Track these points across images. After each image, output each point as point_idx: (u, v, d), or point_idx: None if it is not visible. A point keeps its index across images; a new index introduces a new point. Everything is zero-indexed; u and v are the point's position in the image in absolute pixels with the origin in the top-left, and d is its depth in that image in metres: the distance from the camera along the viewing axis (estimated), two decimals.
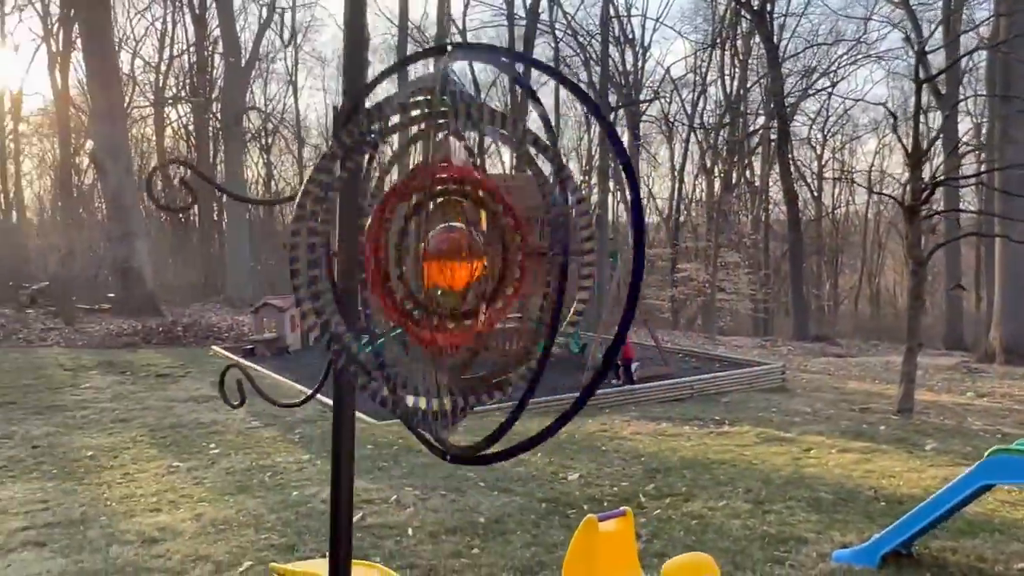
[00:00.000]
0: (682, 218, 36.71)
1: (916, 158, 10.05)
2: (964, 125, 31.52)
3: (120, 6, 32.38)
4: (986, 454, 3.70)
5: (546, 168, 1.41)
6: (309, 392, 2.07)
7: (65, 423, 8.55)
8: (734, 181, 34.22)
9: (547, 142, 1.35)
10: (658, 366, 12.15)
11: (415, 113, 1.35)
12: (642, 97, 33.99)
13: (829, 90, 33.22)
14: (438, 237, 1.32)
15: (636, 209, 1.35)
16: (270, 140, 38.36)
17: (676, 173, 36.71)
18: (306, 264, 1.31)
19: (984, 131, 29.15)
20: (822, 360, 18.90)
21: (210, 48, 32.71)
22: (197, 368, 12.59)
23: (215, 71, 33.37)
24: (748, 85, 33.57)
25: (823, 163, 38.26)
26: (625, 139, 35.37)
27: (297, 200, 1.36)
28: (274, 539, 4.68)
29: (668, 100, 35.70)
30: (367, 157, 1.50)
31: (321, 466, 6.43)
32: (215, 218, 35.20)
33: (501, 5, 32.46)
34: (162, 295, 22.34)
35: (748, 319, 32.65)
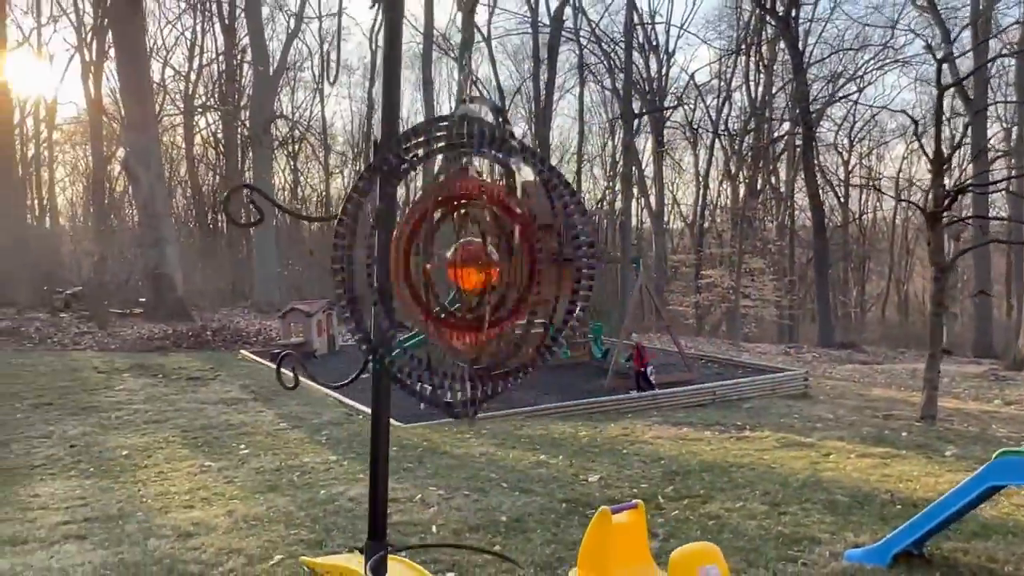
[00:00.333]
0: (706, 224, 36.65)
1: (938, 165, 10.09)
2: (994, 130, 31.23)
3: (151, 16, 33.07)
4: (994, 456, 3.79)
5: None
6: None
7: (100, 424, 8.81)
8: (759, 187, 34.15)
9: (538, 154, 1.49)
10: (681, 372, 12.24)
11: (439, 144, 1.51)
12: (666, 103, 34.05)
13: (855, 95, 33.09)
14: (460, 250, 1.47)
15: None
16: (297, 147, 38.89)
17: (700, 179, 36.72)
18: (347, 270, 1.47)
19: (1014, 136, 28.89)
20: (847, 367, 18.85)
21: (239, 57, 33.29)
22: (226, 372, 12.86)
23: (244, 80, 33.94)
24: (773, 91, 33.52)
25: (850, 169, 38.06)
26: (649, 145, 35.50)
27: (338, 217, 1.51)
28: (303, 534, 4.86)
29: (692, 107, 35.74)
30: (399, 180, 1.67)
31: (348, 466, 6.61)
32: (259, 209, 35.63)
33: (525, 13, 32.72)
34: (192, 300, 22.75)
35: (773, 326, 32.55)
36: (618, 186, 32.48)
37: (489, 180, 1.54)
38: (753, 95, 33.89)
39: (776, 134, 34.13)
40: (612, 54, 32.49)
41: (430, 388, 1.55)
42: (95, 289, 22.26)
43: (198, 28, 35.69)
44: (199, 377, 12.31)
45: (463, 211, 1.51)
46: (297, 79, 38.00)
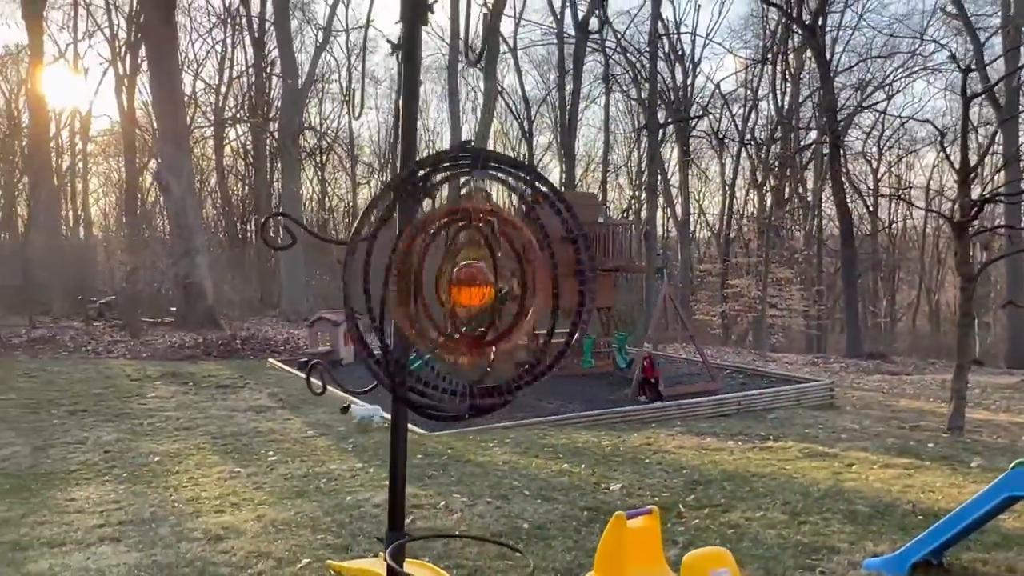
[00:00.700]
0: (732, 233, 36.49)
1: (964, 174, 10.03)
2: None
3: (183, 30, 33.72)
4: (1011, 466, 3.81)
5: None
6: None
7: (133, 430, 9.03)
8: (786, 196, 33.93)
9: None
10: (705, 382, 12.23)
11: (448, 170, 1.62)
12: (692, 113, 33.99)
13: (884, 103, 32.78)
14: (460, 270, 1.58)
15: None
16: (325, 158, 39.35)
17: (727, 188, 36.59)
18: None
19: None
20: (875, 378, 18.66)
21: (268, 69, 33.79)
22: (255, 380, 13.07)
23: (273, 92, 34.45)
24: (800, 100, 33.33)
25: (879, 177, 37.68)
26: (675, 154, 35.44)
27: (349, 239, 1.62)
28: (330, 539, 4.98)
29: (718, 116, 35.64)
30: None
31: (373, 473, 6.73)
32: (271, 234, 36.15)
33: (551, 24, 32.87)
34: (221, 309, 23.11)
35: (801, 336, 32.27)
36: (643, 196, 32.44)
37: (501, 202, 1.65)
38: (780, 104, 33.73)
39: (803, 143, 33.91)
40: (637, 64, 32.52)
41: (435, 400, 1.65)
42: (128, 298, 22.70)
43: (228, 42, 36.38)
44: (228, 385, 12.53)
45: (467, 227, 1.61)
46: (325, 91, 38.49)
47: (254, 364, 15.47)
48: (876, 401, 12.84)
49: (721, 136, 35.91)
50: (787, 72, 33.30)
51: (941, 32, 30.66)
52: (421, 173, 1.61)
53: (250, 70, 35.20)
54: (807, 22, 27.97)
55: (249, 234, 36.13)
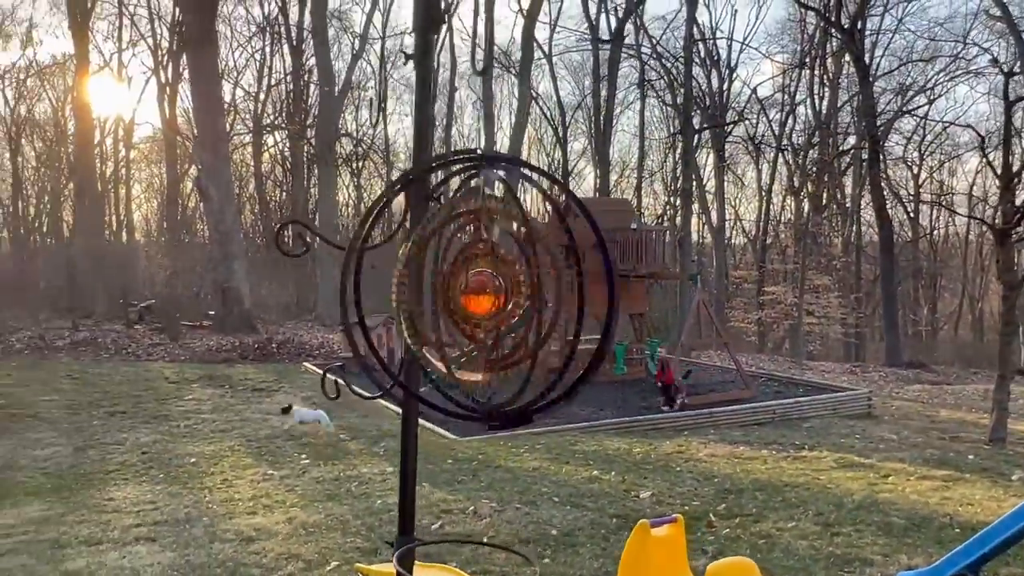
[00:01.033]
0: (769, 240, 36.06)
1: (1007, 179, 9.84)
2: None
3: (223, 39, 34.28)
4: None
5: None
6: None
7: (171, 432, 9.19)
8: (824, 202, 33.45)
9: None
10: (739, 389, 12.11)
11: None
12: (728, 118, 33.73)
13: (924, 108, 32.20)
14: (471, 280, 1.59)
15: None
16: (360, 164, 39.71)
17: (763, 194, 36.20)
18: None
19: None
20: (915, 387, 18.32)
21: (306, 77, 34.22)
22: (290, 383, 13.23)
23: (310, 99, 34.87)
24: (839, 104, 32.88)
25: (920, 183, 36.98)
26: (711, 160, 35.17)
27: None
28: (359, 542, 5.02)
29: (755, 121, 35.28)
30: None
31: None
32: (306, 240, 36.55)
33: (585, 30, 32.84)
34: (258, 313, 23.41)
35: (839, 344, 31.73)
36: (678, 202, 32.23)
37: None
38: (817, 108, 33.29)
39: (841, 148, 33.42)
40: (673, 70, 32.36)
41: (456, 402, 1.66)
42: (167, 302, 23.13)
43: (267, 50, 36.87)
44: (264, 388, 12.69)
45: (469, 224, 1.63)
46: (361, 98, 38.85)
47: (289, 368, 15.66)
48: (915, 411, 12.61)
49: (757, 141, 35.55)
50: (825, 76, 32.87)
51: (984, 35, 30.04)
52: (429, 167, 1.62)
53: (288, 78, 35.69)
54: (845, 26, 27.58)
55: (286, 239, 36.53)
